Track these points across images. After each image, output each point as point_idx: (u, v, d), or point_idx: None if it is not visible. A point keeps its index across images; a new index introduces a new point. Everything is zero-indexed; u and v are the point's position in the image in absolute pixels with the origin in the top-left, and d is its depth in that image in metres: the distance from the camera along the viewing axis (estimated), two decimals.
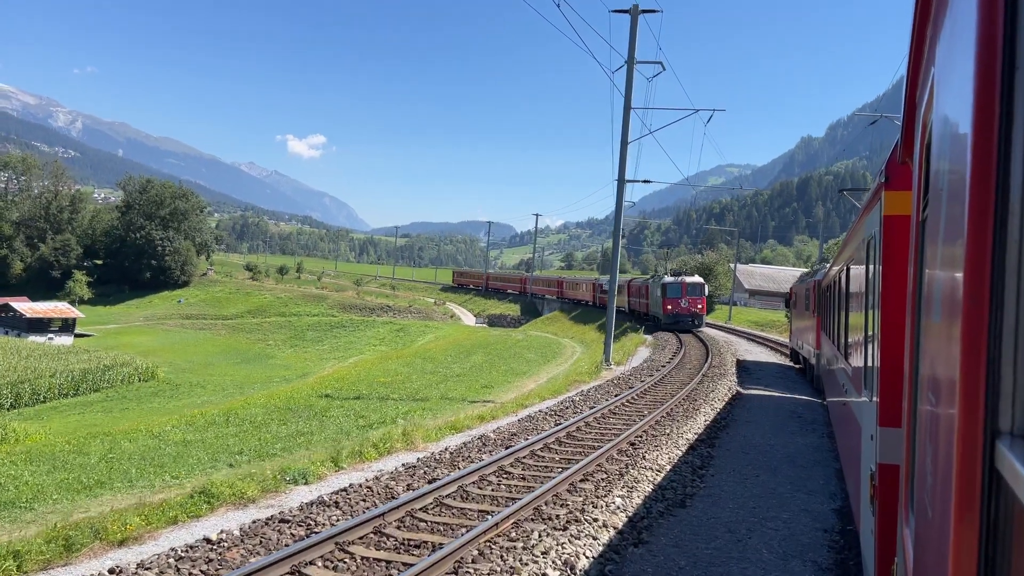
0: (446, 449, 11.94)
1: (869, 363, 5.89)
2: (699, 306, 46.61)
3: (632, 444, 12.24)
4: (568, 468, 10.15)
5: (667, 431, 13.65)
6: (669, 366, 27.14)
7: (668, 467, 10.76)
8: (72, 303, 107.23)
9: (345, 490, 9.05)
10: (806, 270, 34.99)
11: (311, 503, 8.57)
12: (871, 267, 6.05)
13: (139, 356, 65.26)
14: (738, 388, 23.70)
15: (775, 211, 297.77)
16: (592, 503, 8.48)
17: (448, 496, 8.76)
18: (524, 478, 9.93)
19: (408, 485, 9.17)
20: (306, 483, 10.13)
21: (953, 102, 1.57)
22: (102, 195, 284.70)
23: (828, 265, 18.58)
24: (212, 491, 8.89)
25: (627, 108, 28.73)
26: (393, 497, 8.69)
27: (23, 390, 49.30)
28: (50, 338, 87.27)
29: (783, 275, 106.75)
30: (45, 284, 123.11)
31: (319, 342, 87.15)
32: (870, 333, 5.89)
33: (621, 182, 29.07)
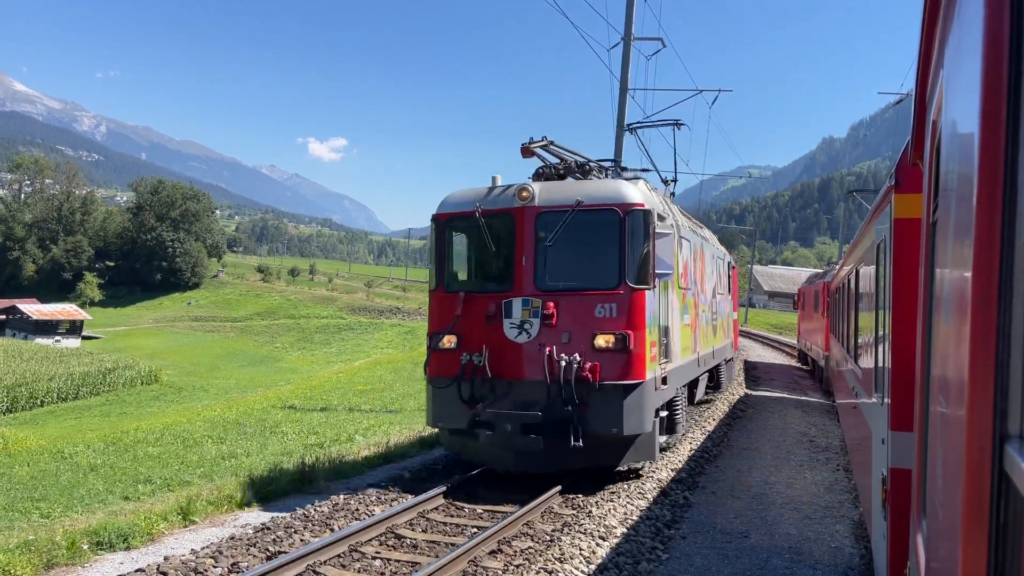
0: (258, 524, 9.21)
1: (880, 366, 5.69)
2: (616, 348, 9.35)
3: None
4: (482, 532, 7.43)
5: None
6: None
7: (621, 528, 7.95)
8: (83, 305, 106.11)
9: None
10: (818, 270, 33.55)
11: None
12: (882, 269, 5.86)
13: (144, 359, 63.26)
14: (745, 391, 21.89)
15: (796, 212, 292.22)
16: None
17: None
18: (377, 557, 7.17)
19: None
20: (127, 548, 7.50)
21: (961, 104, 1.57)
22: (125, 198, 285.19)
23: (836, 267, 17.54)
24: None
25: (623, 89, 25.82)
26: None
27: (20, 394, 47.39)
28: (57, 340, 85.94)
29: (803, 277, 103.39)
30: (57, 286, 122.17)
31: (327, 344, 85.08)
32: (881, 336, 5.71)
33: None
